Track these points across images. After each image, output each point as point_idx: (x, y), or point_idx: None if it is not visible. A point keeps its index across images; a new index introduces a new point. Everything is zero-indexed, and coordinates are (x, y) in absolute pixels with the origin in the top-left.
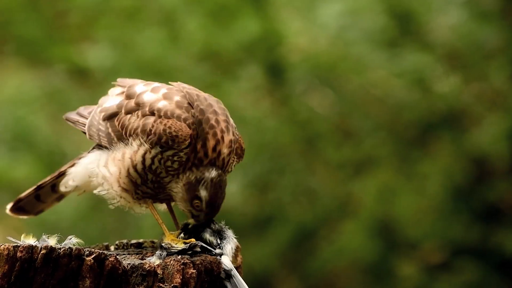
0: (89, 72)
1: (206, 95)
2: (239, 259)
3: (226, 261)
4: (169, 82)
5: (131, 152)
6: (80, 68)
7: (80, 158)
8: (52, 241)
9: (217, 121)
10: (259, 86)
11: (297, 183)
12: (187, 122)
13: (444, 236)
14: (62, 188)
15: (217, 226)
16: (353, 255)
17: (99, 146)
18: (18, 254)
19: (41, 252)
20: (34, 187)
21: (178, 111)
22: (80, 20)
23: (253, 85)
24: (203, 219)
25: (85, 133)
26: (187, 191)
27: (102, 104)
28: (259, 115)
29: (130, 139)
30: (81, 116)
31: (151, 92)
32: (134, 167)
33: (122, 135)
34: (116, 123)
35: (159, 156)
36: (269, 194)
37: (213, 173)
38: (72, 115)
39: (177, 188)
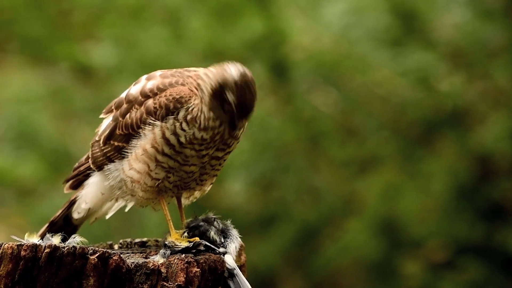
0: (93, 70)
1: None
2: (243, 258)
3: (230, 260)
4: None
5: (150, 141)
6: (84, 66)
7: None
8: (56, 240)
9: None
10: (263, 85)
11: (301, 182)
12: (180, 83)
13: (448, 234)
14: (75, 215)
15: (221, 225)
16: (357, 253)
17: (99, 168)
18: (22, 253)
19: (45, 251)
20: (47, 224)
21: (167, 80)
22: (84, 18)
23: (257, 83)
24: (238, 123)
25: (94, 171)
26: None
27: (98, 133)
28: (263, 113)
29: (140, 131)
30: (79, 165)
31: (134, 85)
32: (162, 152)
33: (130, 134)
34: (119, 131)
35: (177, 124)
36: (273, 192)
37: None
38: (71, 176)
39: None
